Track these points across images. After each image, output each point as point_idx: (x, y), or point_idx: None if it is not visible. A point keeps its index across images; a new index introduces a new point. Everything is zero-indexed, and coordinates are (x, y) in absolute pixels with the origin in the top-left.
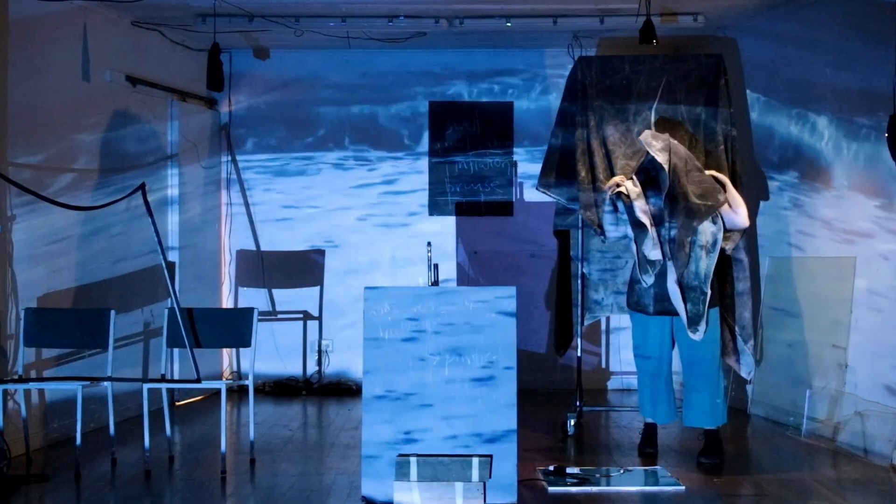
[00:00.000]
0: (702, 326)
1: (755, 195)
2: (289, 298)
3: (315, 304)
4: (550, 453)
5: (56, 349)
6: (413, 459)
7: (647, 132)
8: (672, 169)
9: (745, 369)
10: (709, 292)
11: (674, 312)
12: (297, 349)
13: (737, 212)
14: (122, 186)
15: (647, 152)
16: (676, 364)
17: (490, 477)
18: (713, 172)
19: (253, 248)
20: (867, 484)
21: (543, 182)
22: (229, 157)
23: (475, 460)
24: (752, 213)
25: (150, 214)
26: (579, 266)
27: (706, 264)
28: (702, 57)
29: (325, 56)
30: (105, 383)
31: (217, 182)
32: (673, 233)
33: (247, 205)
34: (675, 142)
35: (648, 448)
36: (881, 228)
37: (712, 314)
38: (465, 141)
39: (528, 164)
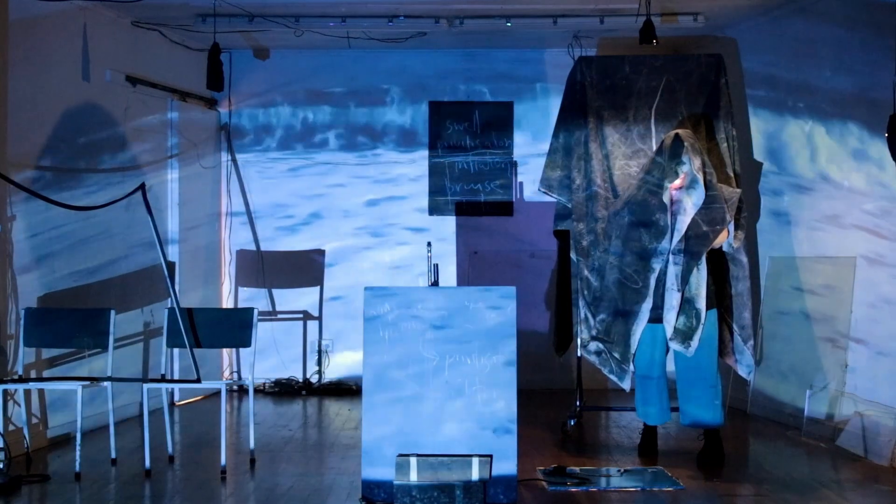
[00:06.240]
0: (694, 342)
1: (755, 195)
2: (289, 298)
3: (315, 304)
4: (550, 453)
5: (56, 349)
6: (413, 459)
7: (687, 140)
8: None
9: (745, 369)
10: (702, 307)
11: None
12: (297, 349)
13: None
14: (122, 186)
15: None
16: (673, 364)
17: (490, 477)
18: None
19: (253, 248)
20: (867, 484)
21: (545, 183)
22: (229, 157)
23: (475, 460)
24: (752, 213)
25: (150, 214)
26: (579, 266)
27: (696, 276)
28: (702, 57)
29: (325, 56)
30: (105, 383)
31: (217, 182)
32: (683, 256)
33: (247, 205)
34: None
35: (648, 448)
36: (881, 228)
37: (710, 315)
38: (465, 141)
39: (528, 165)
